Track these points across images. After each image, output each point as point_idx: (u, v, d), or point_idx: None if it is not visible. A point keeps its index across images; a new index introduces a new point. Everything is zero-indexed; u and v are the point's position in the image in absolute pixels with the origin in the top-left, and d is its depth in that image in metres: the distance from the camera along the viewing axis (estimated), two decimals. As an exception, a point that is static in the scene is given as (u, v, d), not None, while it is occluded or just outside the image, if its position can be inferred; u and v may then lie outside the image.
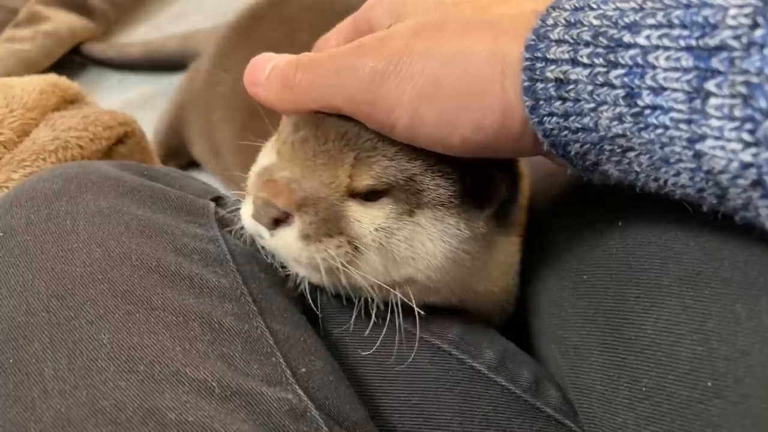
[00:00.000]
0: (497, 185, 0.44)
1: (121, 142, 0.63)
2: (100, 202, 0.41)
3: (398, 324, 0.43)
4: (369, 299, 0.43)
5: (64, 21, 1.22)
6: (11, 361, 0.33)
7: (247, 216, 0.41)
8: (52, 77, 0.65)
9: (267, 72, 0.41)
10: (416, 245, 0.42)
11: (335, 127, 0.40)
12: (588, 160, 0.33)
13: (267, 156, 0.45)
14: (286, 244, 0.40)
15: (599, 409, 0.40)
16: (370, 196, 0.41)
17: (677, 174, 0.29)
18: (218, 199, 0.48)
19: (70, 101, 0.65)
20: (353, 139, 0.40)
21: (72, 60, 1.22)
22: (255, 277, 0.42)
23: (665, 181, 0.31)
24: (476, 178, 0.43)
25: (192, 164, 1.03)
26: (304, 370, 0.38)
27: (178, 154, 1.02)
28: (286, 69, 0.39)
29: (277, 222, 0.39)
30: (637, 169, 0.32)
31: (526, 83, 0.32)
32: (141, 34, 1.31)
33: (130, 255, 0.38)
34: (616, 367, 0.38)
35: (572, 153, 0.33)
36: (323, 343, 0.43)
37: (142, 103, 1.14)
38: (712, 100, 0.26)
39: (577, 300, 0.43)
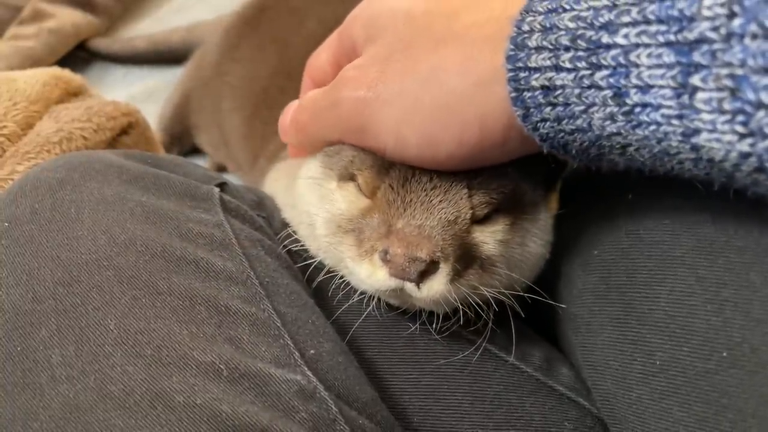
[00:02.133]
0: (556, 172, 0.46)
1: (125, 132, 0.63)
2: (105, 190, 0.41)
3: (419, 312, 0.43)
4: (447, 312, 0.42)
5: (68, 17, 1.22)
6: (19, 348, 0.33)
7: (379, 276, 0.39)
8: (55, 70, 0.65)
9: (289, 120, 0.44)
10: (525, 249, 0.43)
11: None
12: (590, 154, 0.33)
13: (342, 200, 0.43)
14: (437, 291, 0.39)
15: (613, 386, 0.39)
16: (487, 214, 0.41)
17: (681, 162, 0.29)
18: (222, 185, 0.48)
19: (73, 94, 0.65)
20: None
21: (77, 55, 1.22)
22: (261, 261, 0.42)
23: (671, 167, 0.30)
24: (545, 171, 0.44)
25: (195, 151, 1.04)
26: (312, 351, 0.37)
27: (181, 141, 1.03)
28: (296, 113, 0.43)
29: (423, 274, 0.38)
30: (641, 159, 0.31)
31: (513, 94, 0.32)
32: (144, 28, 1.31)
33: (135, 241, 0.38)
34: (629, 342, 0.38)
35: (573, 151, 0.33)
36: (332, 325, 0.42)
37: (147, 96, 1.14)
38: (700, 95, 0.25)
39: (587, 276, 0.42)
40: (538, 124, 0.32)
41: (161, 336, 0.34)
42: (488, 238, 0.41)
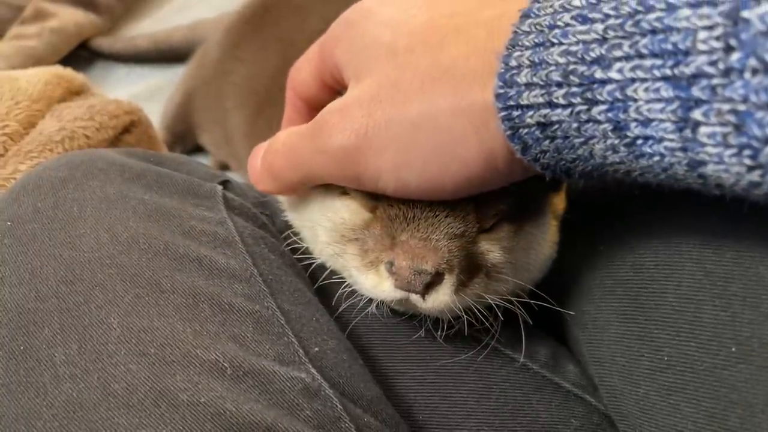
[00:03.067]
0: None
1: (127, 131, 0.63)
2: (107, 188, 0.41)
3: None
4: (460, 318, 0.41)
5: (70, 17, 1.22)
6: (22, 347, 0.33)
7: (384, 287, 0.39)
8: (58, 69, 0.64)
9: (258, 165, 0.41)
10: (530, 253, 0.43)
11: None
12: (594, 176, 0.32)
13: (344, 210, 0.42)
14: (442, 302, 0.39)
15: (620, 382, 0.39)
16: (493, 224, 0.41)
17: (689, 185, 0.28)
18: (225, 183, 0.48)
19: (75, 92, 0.64)
20: None
21: (79, 54, 1.22)
22: (265, 258, 0.42)
23: (679, 187, 0.29)
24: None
25: (197, 150, 1.04)
26: (316, 349, 0.37)
27: (183, 139, 1.02)
28: (269, 157, 0.40)
29: (429, 285, 0.38)
30: (650, 180, 0.30)
31: (509, 132, 0.31)
32: (146, 27, 1.31)
33: (137, 239, 0.38)
34: (635, 337, 0.37)
35: (576, 175, 0.32)
36: (335, 323, 0.42)
37: (149, 95, 1.14)
38: (703, 129, 0.24)
39: (593, 271, 0.42)
40: (538, 155, 0.31)
41: (165, 334, 0.34)
42: (494, 246, 0.41)
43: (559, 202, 0.46)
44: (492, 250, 0.41)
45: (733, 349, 0.32)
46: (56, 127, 0.57)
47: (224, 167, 0.99)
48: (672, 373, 0.35)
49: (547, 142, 0.30)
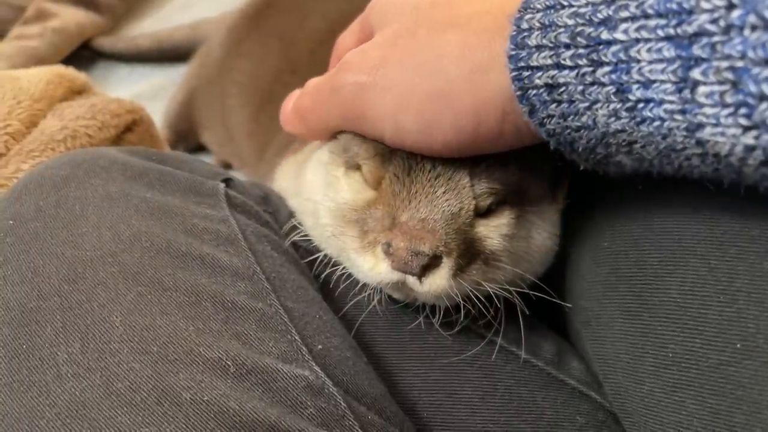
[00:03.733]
0: (565, 167, 0.45)
1: (129, 130, 0.63)
2: (109, 187, 0.41)
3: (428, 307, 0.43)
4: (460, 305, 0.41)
5: (72, 17, 1.22)
6: (24, 346, 0.33)
7: (381, 269, 0.39)
8: (59, 68, 0.64)
9: (290, 107, 0.44)
10: (531, 243, 0.43)
11: None
12: (598, 154, 0.33)
13: (347, 189, 0.43)
14: (439, 286, 0.38)
15: (624, 379, 0.39)
16: (490, 206, 0.41)
17: (688, 158, 0.29)
18: (228, 181, 0.48)
19: (77, 92, 0.64)
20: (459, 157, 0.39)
21: (81, 54, 1.22)
22: (267, 256, 0.42)
23: (679, 165, 0.30)
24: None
25: (200, 149, 1.04)
26: (320, 347, 0.37)
27: (186, 138, 1.03)
28: (298, 100, 0.43)
29: (426, 268, 0.38)
30: (648, 158, 0.31)
31: (518, 93, 0.32)
32: (148, 27, 1.31)
33: (140, 237, 0.38)
34: (640, 334, 0.37)
35: (580, 149, 0.33)
36: (340, 321, 0.42)
37: (152, 94, 1.14)
38: (701, 88, 0.25)
39: (597, 268, 0.42)
40: (545, 120, 0.32)
41: (167, 332, 0.33)
42: (492, 232, 0.41)
43: (560, 194, 0.46)
44: (491, 237, 0.41)
45: (739, 346, 0.31)
46: (58, 126, 0.57)
47: (227, 166, 0.99)
48: (677, 370, 0.35)
49: (553, 105, 0.31)
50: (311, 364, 0.35)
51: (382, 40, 0.37)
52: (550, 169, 0.44)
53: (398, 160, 0.40)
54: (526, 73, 0.31)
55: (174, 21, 1.28)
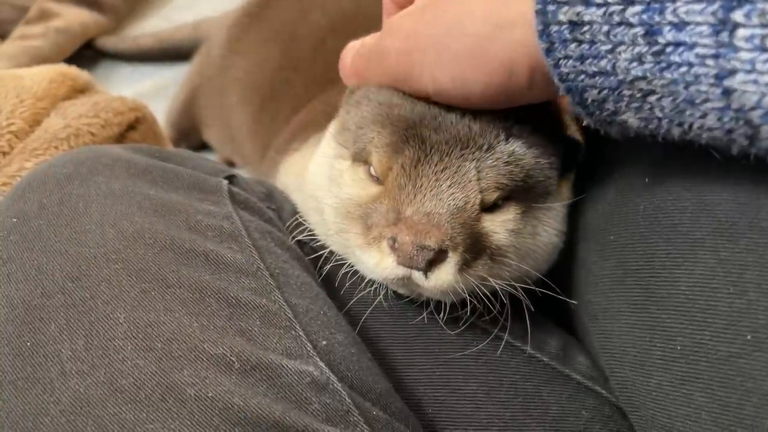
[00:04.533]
0: (578, 152, 0.45)
1: (132, 128, 0.62)
2: (112, 184, 0.41)
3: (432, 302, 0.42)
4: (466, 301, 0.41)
5: (75, 16, 1.22)
6: (29, 344, 0.33)
7: (386, 264, 0.38)
8: (62, 67, 0.65)
9: (348, 64, 0.46)
10: (537, 239, 0.43)
11: (441, 139, 0.39)
12: (606, 109, 0.32)
13: (352, 183, 0.43)
14: (445, 281, 0.38)
15: (631, 373, 0.38)
16: (496, 201, 0.41)
17: (704, 116, 0.28)
18: (231, 178, 0.47)
19: (80, 90, 0.65)
20: (467, 147, 0.39)
21: (84, 54, 1.22)
22: (271, 252, 0.41)
23: (690, 125, 0.29)
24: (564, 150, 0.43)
25: (203, 147, 1.03)
26: (324, 342, 0.37)
27: (189, 137, 1.02)
28: (355, 59, 0.45)
29: (432, 262, 0.38)
30: (659, 115, 0.30)
31: (540, 27, 0.31)
32: (151, 26, 1.31)
33: (143, 234, 0.38)
34: (647, 327, 0.37)
35: (589, 100, 0.32)
36: (345, 318, 0.42)
37: (155, 93, 1.14)
38: (741, 32, 0.24)
39: (604, 262, 0.41)
40: (561, 61, 0.31)
41: (171, 329, 0.33)
42: (498, 227, 0.41)
43: (566, 190, 0.46)
44: (497, 232, 0.40)
45: (749, 337, 0.31)
46: (61, 125, 0.57)
47: (230, 164, 0.99)
48: (685, 363, 0.34)
49: (573, 45, 0.30)
50: (316, 360, 0.35)
51: (415, 8, 0.40)
52: (557, 164, 0.43)
53: (409, 150, 0.39)
54: (551, 8, 0.30)
55: (176, 20, 1.28)
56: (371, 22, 0.79)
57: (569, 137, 0.44)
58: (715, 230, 0.34)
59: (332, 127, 0.47)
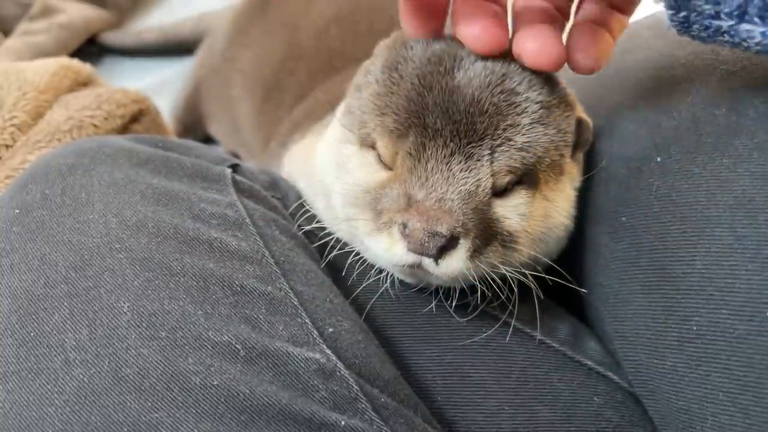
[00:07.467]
0: (585, 130, 0.44)
1: (136, 120, 0.62)
2: (115, 174, 0.40)
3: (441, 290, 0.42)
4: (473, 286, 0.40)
5: (78, 12, 1.22)
6: (32, 334, 0.33)
7: (396, 250, 0.38)
8: (64, 60, 0.64)
9: None
10: (548, 222, 0.42)
11: (450, 122, 0.38)
12: None
13: (360, 168, 0.42)
14: (455, 268, 0.37)
15: (645, 356, 0.38)
16: (507, 186, 0.40)
17: None
18: (235, 166, 0.47)
19: (83, 83, 0.64)
20: (478, 130, 0.38)
21: (87, 49, 1.22)
22: (276, 240, 0.41)
23: None
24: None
25: (208, 140, 1.03)
26: (331, 330, 0.36)
27: (194, 130, 1.02)
28: None
29: (443, 249, 0.37)
30: None
31: None
32: (154, 20, 1.30)
33: (146, 223, 0.37)
34: (661, 308, 0.36)
35: None
36: (352, 305, 0.41)
37: (159, 87, 1.13)
38: None
39: (616, 244, 0.40)
40: None
41: (176, 317, 0.33)
42: (510, 212, 0.40)
43: (575, 172, 0.45)
44: (508, 217, 0.40)
45: (768, 315, 0.30)
46: (64, 117, 0.56)
47: (235, 156, 0.98)
48: (701, 343, 0.33)
49: None
50: (322, 347, 0.35)
51: None
52: (569, 145, 0.42)
53: (412, 136, 0.38)
54: None
55: (179, 14, 1.28)
56: (375, 11, 0.78)
57: (578, 118, 0.43)
58: (731, 207, 0.33)
59: (338, 111, 0.47)
